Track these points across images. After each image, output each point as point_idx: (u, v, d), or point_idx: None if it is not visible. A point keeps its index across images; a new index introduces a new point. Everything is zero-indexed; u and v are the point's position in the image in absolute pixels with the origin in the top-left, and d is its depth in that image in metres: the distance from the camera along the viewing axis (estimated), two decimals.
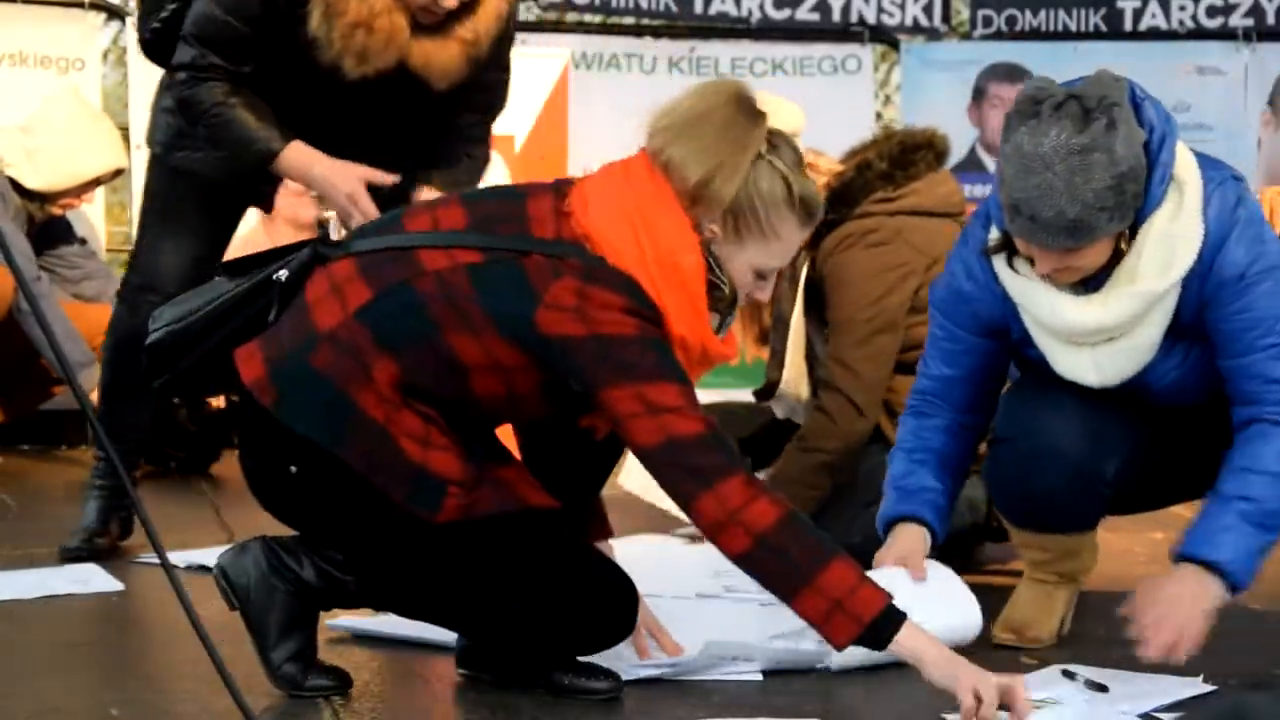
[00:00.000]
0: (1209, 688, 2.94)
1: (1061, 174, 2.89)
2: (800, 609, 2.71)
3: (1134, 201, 2.96)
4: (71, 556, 4.12)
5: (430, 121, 4.01)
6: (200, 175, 4.03)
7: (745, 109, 2.86)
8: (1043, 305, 3.10)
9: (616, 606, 2.92)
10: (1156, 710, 2.82)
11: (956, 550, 4.12)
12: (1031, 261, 3.05)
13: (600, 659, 2.97)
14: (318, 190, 3.94)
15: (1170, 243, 3.02)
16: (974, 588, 3.31)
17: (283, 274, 2.90)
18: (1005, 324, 3.22)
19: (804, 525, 2.74)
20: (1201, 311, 3.08)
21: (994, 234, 3.14)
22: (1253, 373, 3.07)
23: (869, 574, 2.85)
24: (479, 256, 2.82)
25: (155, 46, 4.10)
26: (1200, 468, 3.20)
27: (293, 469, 2.82)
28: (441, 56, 3.88)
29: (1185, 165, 3.05)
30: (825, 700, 2.95)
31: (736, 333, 4.26)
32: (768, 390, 4.26)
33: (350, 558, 2.88)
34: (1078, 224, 2.91)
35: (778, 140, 2.89)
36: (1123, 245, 3.01)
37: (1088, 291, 3.07)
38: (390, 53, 3.81)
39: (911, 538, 3.22)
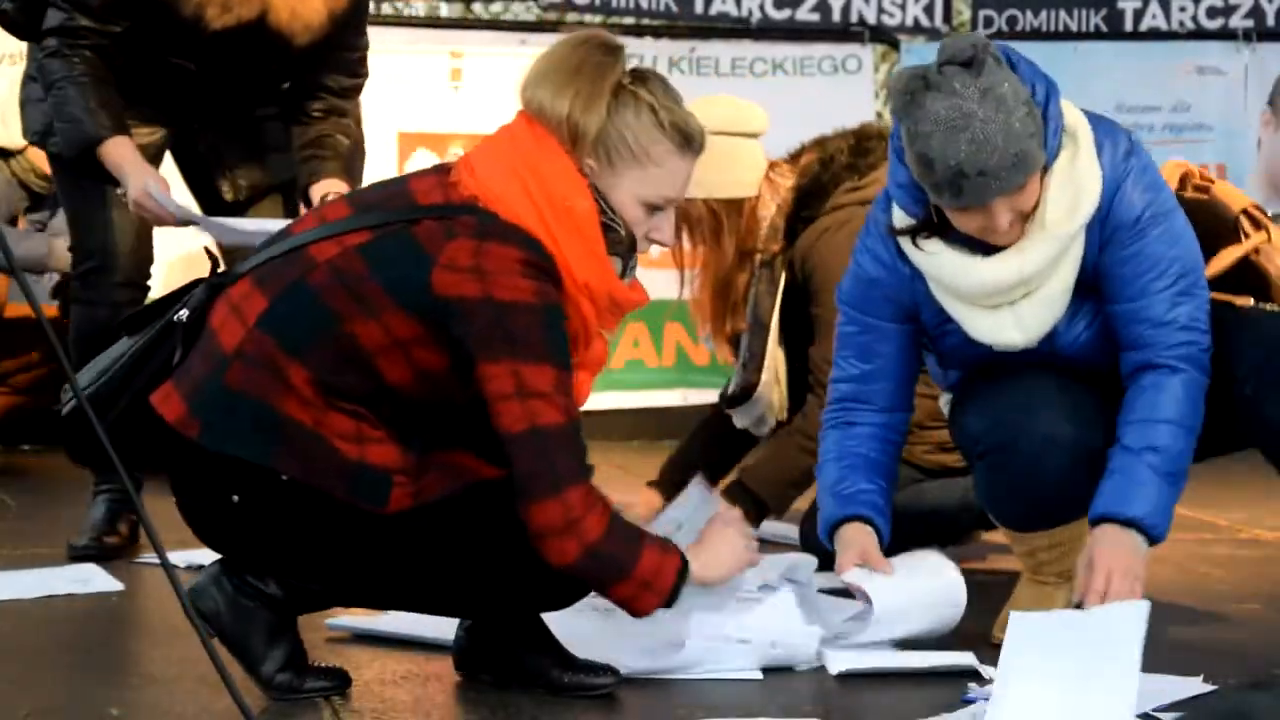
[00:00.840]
0: (1209, 688, 2.94)
1: (987, 117, 2.94)
2: (615, 595, 2.82)
3: (1043, 129, 3.02)
4: (79, 555, 4.13)
5: (296, 78, 4.11)
6: (65, 158, 4.10)
7: (598, 47, 2.89)
8: (958, 272, 3.12)
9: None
10: (1156, 710, 2.82)
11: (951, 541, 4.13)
12: (959, 238, 3.07)
13: (600, 656, 2.97)
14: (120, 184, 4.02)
15: (1074, 186, 3.07)
16: (973, 587, 3.31)
17: (183, 314, 2.88)
18: (916, 307, 3.25)
19: (621, 526, 2.79)
20: (1100, 255, 3.12)
21: (898, 215, 3.17)
22: (1144, 316, 3.10)
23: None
24: (368, 235, 2.82)
25: (13, 20, 4.12)
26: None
27: (235, 498, 2.80)
28: (305, 10, 3.98)
29: (1074, 117, 3.12)
30: (825, 700, 2.95)
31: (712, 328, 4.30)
32: (743, 395, 4.25)
33: (312, 569, 2.86)
34: (1020, 156, 2.96)
35: (644, 73, 2.92)
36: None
37: (990, 253, 3.10)
38: (253, 3, 3.91)
39: (862, 535, 3.25)
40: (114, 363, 2.92)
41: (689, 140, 2.90)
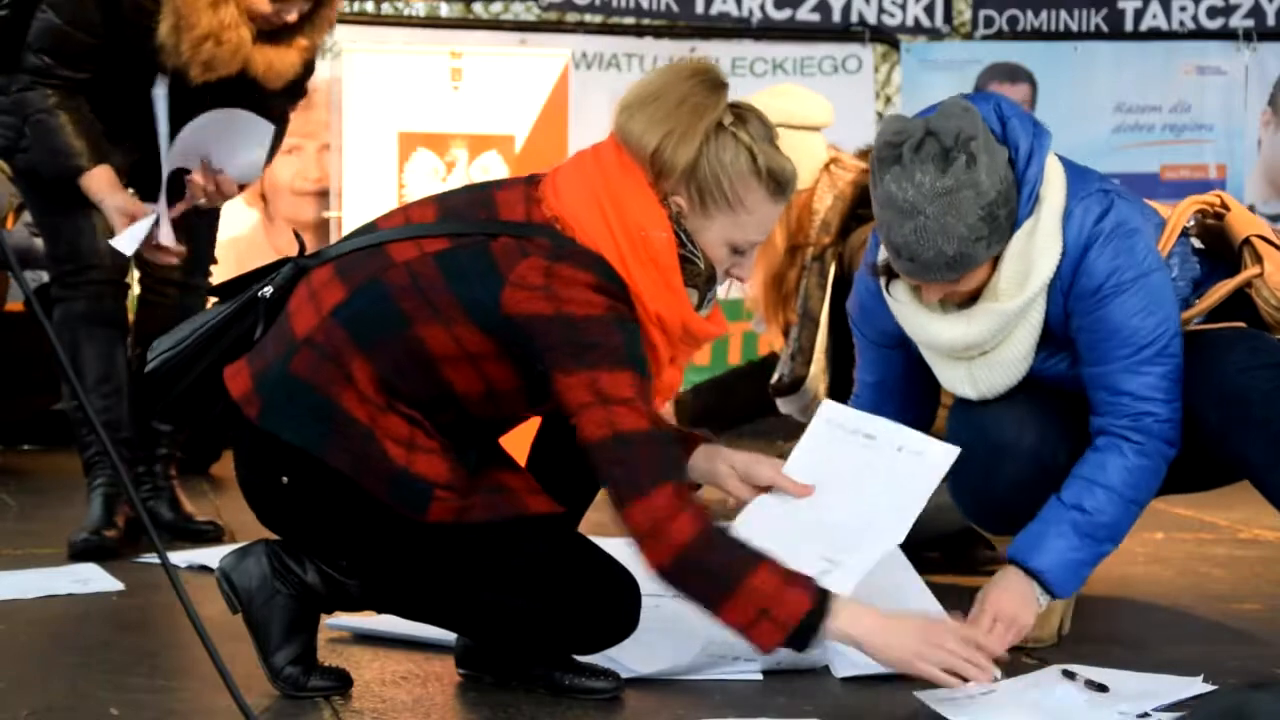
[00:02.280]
0: (1209, 688, 2.94)
1: (934, 216, 2.95)
2: (725, 618, 2.68)
3: (1007, 223, 3.03)
4: (79, 552, 4.15)
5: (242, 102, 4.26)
6: (39, 176, 4.23)
7: (703, 81, 2.85)
8: (914, 324, 3.18)
9: (619, 605, 2.91)
10: (1156, 710, 2.82)
11: (951, 554, 4.13)
12: (918, 289, 3.12)
13: (601, 658, 2.97)
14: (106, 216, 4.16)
15: (1026, 259, 3.07)
16: (973, 588, 3.31)
17: (267, 291, 2.92)
18: (904, 336, 3.27)
19: (721, 537, 2.71)
20: (1066, 320, 3.13)
21: (882, 253, 3.18)
22: (1104, 383, 3.11)
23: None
24: (446, 243, 2.82)
25: None
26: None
27: (284, 480, 2.82)
28: (282, 64, 4.17)
29: (1051, 181, 3.10)
30: (825, 700, 2.95)
31: (726, 312, 4.29)
32: (792, 386, 4.27)
33: (353, 563, 2.88)
34: (957, 258, 2.98)
35: (745, 113, 2.87)
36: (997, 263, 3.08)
37: (959, 309, 3.13)
38: (235, 63, 4.09)
39: None
40: (197, 329, 2.96)
41: (782, 188, 2.86)
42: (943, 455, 2.97)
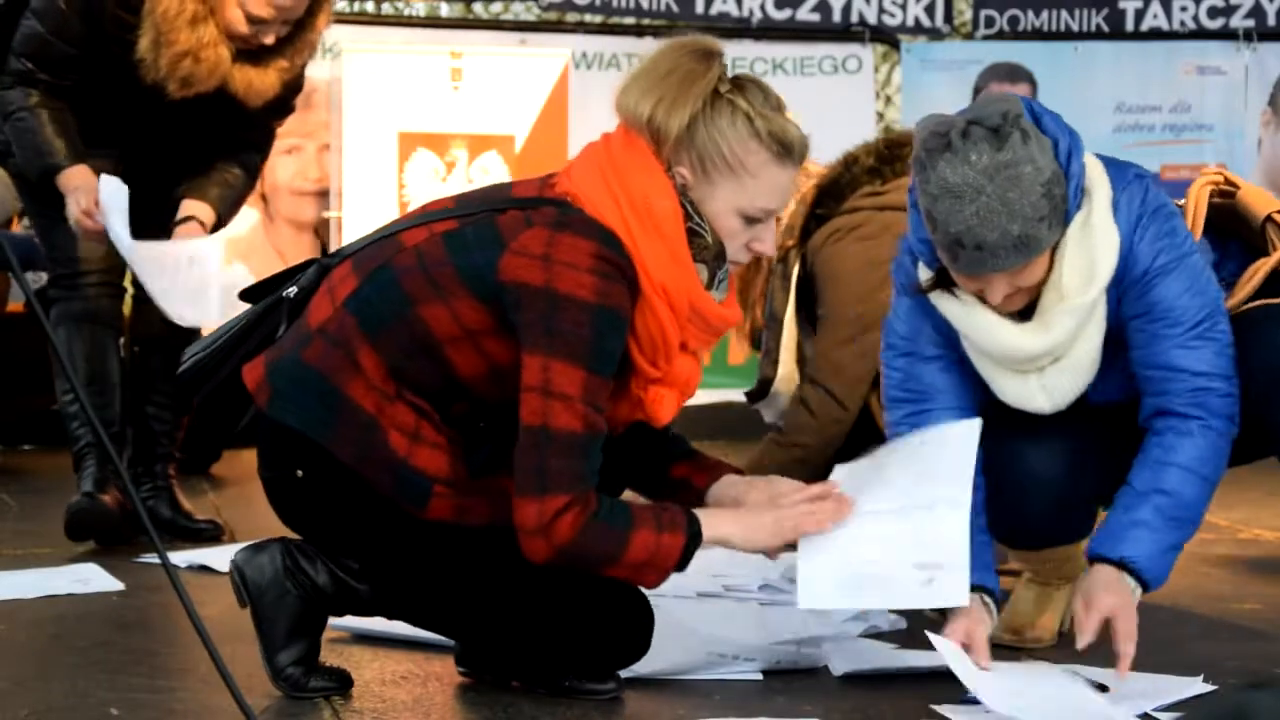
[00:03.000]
0: (1209, 688, 2.94)
1: (995, 194, 2.86)
2: (606, 576, 2.77)
3: (1063, 205, 2.96)
4: (75, 513, 4.24)
5: (232, 122, 4.35)
6: (27, 179, 4.31)
7: (693, 52, 2.84)
8: (984, 332, 3.05)
9: (630, 625, 2.91)
10: (1156, 710, 2.82)
11: None
12: (980, 297, 3.01)
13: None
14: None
15: (1088, 252, 3.01)
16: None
17: (291, 291, 2.94)
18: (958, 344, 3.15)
19: (603, 527, 2.72)
20: (1118, 309, 3.08)
21: (924, 272, 3.09)
22: (1159, 362, 3.06)
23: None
24: (455, 223, 2.84)
25: None
26: None
27: (299, 473, 2.82)
28: (261, 84, 4.23)
29: (1094, 172, 3.05)
30: (825, 700, 2.95)
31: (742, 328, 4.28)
32: (761, 390, 4.26)
33: (365, 567, 2.88)
34: (1024, 239, 2.88)
35: (744, 82, 2.85)
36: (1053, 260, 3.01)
37: (1021, 320, 3.05)
38: (213, 80, 4.15)
39: (975, 612, 2.98)
40: (226, 330, 3.00)
41: (788, 149, 2.83)
42: (967, 428, 2.93)
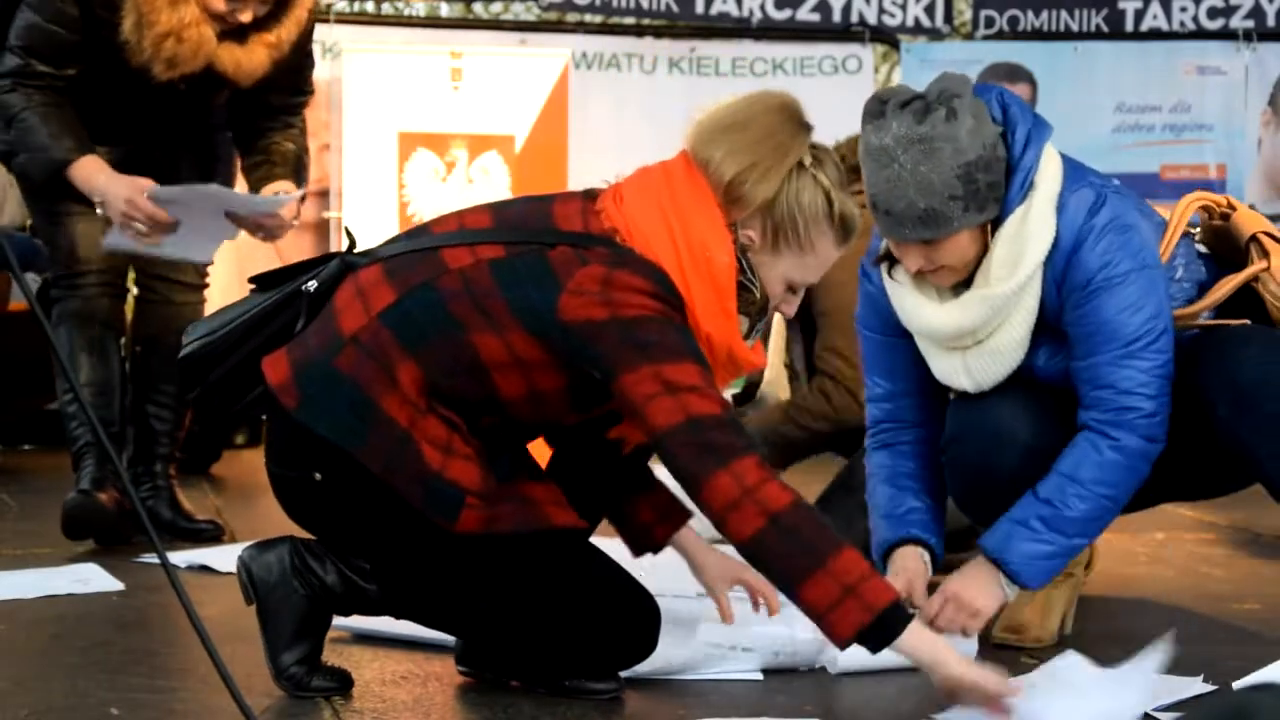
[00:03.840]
0: (1209, 688, 2.94)
1: (907, 164, 2.94)
2: (809, 594, 2.61)
3: (990, 193, 3.00)
4: (72, 509, 4.24)
5: (242, 103, 4.35)
6: (32, 178, 4.28)
7: (791, 117, 2.86)
8: (910, 310, 3.15)
9: (637, 627, 2.92)
10: (1156, 710, 2.82)
11: (951, 552, 4.12)
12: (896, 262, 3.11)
13: None
14: (99, 199, 4.14)
15: (1019, 244, 3.05)
16: None
17: (311, 285, 2.91)
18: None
19: (814, 510, 2.69)
20: (1059, 312, 3.11)
21: (882, 243, 3.18)
22: (1089, 376, 3.10)
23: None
24: (502, 251, 2.81)
25: None
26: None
27: (317, 476, 2.81)
28: (249, 62, 4.20)
29: (1046, 169, 3.08)
30: (825, 700, 2.95)
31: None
32: (748, 393, 4.27)
33: (376, 567, 2.88)
34: (930, 214, 2.96)
35: (822, 155, 2.88)
36: (988, 244, 3.05)
37: (955, 296, 3.11)
38: (198, 60, 4.13)
39: (913, 562, 3.20)
40: (237, 316, 2.95)
41: (848, 235, 2.88)
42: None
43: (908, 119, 2.95)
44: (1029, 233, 3.05)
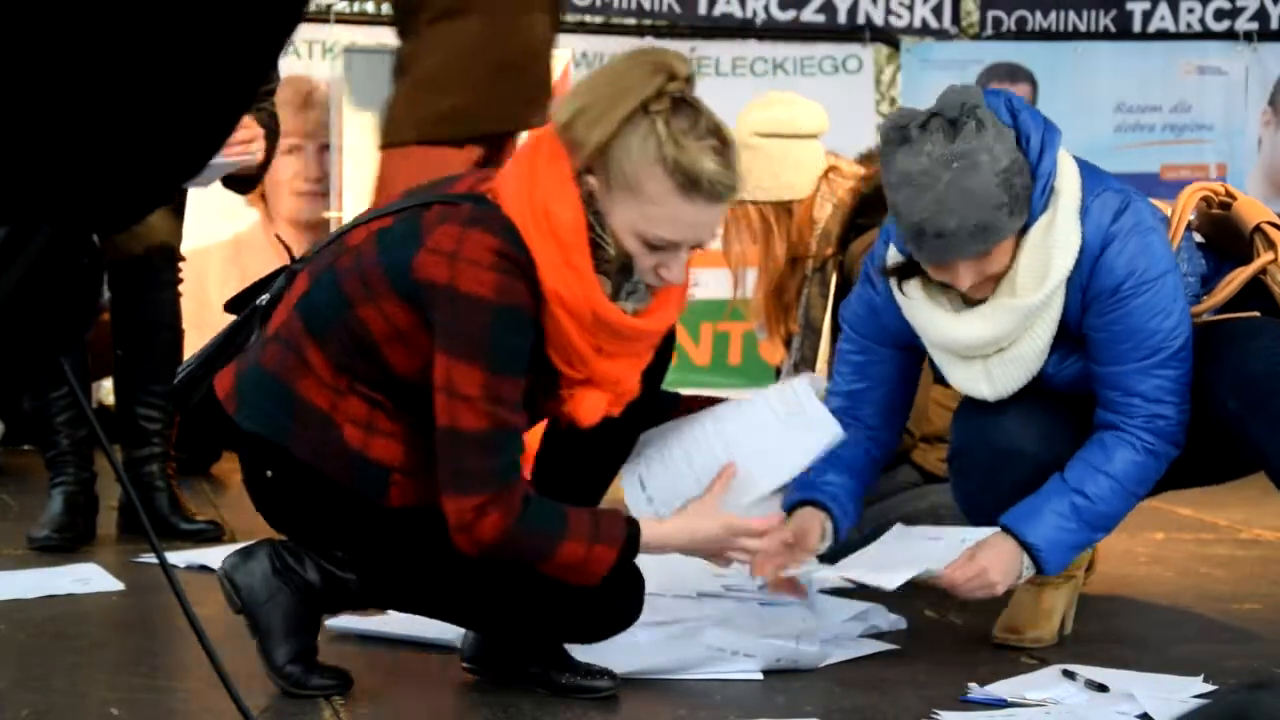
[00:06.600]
0: (1209, 688, 2.94)
1: (951, 182, 2.93)
2: (554, 568, 2.77)
3: (1024, 194, 3.00)
4: (39, 546, 4.25)
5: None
6: None
7: (642, 63, 2.78)
8: (928, 324, 3.14)
9: (619, 593, 2.91)
10: (1157, 714, 2.82)
11: None
12: (937, 284, 3.09)
13: (601, 659, 2.97)
14: None
15: (1045, 253, 3.05)
16: None
17: (264, 299, 2.96)
18: (913, 337, 3.25)
19: (530, 527, 2.73)
20: (1082, 317, 3.12)
21: (892, 253, 3.17)
22: (1117, 383, 3.11)
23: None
24: (390, 220, 2.83)
25: None
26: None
27: (269, 473, 2.85)
28: None
29: (1065, 175, 3.08)
30: (825, 700, 2.95)
31: (770, 339, 4.28)
32: None
33: (350, 556, 2.89)
34: (981, 227, 2.95)
35: (684, 105, 2.75)
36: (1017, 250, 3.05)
37: (970, 306, 3.10)
38: None
39: (810, 517, 3.20)
40: (207, 347, 3.01)
41: (694, 184, 2.73)
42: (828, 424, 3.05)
43: (938, 138, 2.94)
44: (1054, 241, 3.04)
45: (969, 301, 3.11)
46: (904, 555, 3.13)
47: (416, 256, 2.73)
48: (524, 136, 3.53)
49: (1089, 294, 3.08)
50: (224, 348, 2.99)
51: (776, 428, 3.01)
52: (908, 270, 3.13)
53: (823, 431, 3.02)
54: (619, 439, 2.99)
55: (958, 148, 2.93)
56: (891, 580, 3.01)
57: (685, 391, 3.18)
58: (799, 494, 3.24)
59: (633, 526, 2.81)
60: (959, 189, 2.92)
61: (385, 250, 2.79)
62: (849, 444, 3.28)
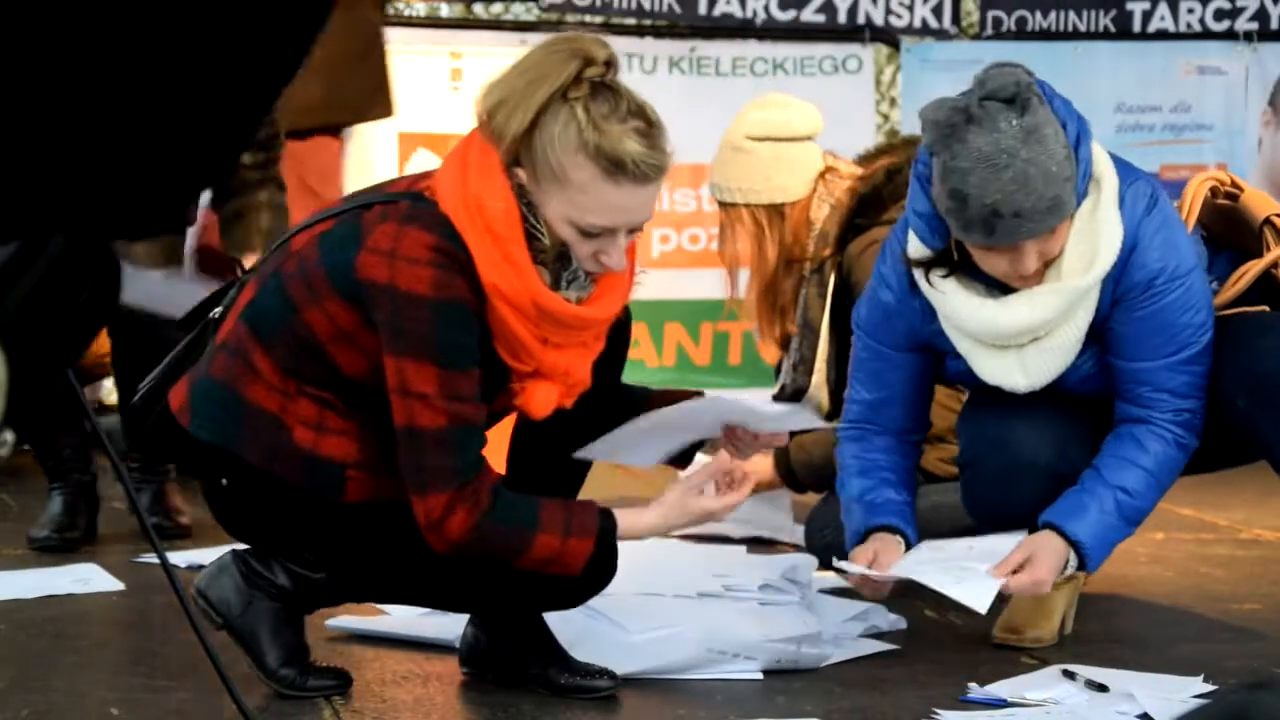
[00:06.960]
0: (1209, 688, 2.94)
1: (1030, 158, 2.89)
2: (529, 562, 2.76)
3: (1076, 172, 2.98)
4: (39, 546, 4.25)
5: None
6: None
7: (559, 50, 2.74)
8: (966, 313, 3.09)
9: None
10: (1158, 715, 2.82)
11: None
12: (970, 274, 3.05)
13: (600, 658, 2.97)
14: None
15: (1092, 239, 3.03)
16: None
17: (217, 312, 2.95)
18: (929, 337, 3.22)
19: (500, 523, 2.72)
20: (1110, 310, 3.10)
21: (915, 247, 3.12)
22: (1147, 379, 3.10)
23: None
24: (331, 223, 2.83)
25: None
26: None
27: (224, 482, 2.86)
28: None
29: (1102, 162, 3.07)
30: (825, 700, 2.95)
31: (764, 334, 4.27)
32: (794, 396, 4.25)
33: (316, 555, 2.89)
34: (1056, 200, 2.93)
35: (604, 90, 2.72)
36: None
37: (1004, 294, 3.07)
38: None
39: (887, 540, 3.20)
40: (161, 365, 2.99)
41: (619, 167, 2.69)
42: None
43: (1009, 115, 2.90)
44: (1100, 229, 3.03)
45: (1005, 291, 3.09)
46: (959, 568, 3.10)
47: (358, 257, 2.73)
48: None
49: (1120, 287, 3.06)
50: (181, 363, 2.96)
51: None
52: (937, 262, 3.09)
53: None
54: (582, 431, 2.93)
55: (1029, 121, 2.90)
56: (980, 601, 3.01)
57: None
58: (867, 519, 3.23)
59: (607, 518, 2.79)
60: (1038, 165, 2.89)
61: (327, 252, 2.78)
62: (882, 449, 3.28)
